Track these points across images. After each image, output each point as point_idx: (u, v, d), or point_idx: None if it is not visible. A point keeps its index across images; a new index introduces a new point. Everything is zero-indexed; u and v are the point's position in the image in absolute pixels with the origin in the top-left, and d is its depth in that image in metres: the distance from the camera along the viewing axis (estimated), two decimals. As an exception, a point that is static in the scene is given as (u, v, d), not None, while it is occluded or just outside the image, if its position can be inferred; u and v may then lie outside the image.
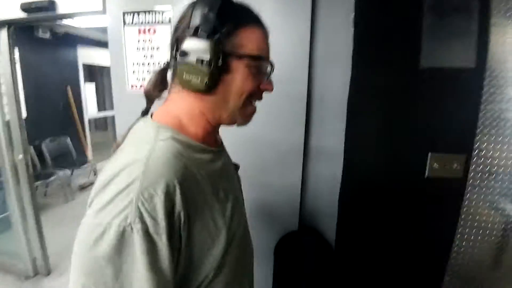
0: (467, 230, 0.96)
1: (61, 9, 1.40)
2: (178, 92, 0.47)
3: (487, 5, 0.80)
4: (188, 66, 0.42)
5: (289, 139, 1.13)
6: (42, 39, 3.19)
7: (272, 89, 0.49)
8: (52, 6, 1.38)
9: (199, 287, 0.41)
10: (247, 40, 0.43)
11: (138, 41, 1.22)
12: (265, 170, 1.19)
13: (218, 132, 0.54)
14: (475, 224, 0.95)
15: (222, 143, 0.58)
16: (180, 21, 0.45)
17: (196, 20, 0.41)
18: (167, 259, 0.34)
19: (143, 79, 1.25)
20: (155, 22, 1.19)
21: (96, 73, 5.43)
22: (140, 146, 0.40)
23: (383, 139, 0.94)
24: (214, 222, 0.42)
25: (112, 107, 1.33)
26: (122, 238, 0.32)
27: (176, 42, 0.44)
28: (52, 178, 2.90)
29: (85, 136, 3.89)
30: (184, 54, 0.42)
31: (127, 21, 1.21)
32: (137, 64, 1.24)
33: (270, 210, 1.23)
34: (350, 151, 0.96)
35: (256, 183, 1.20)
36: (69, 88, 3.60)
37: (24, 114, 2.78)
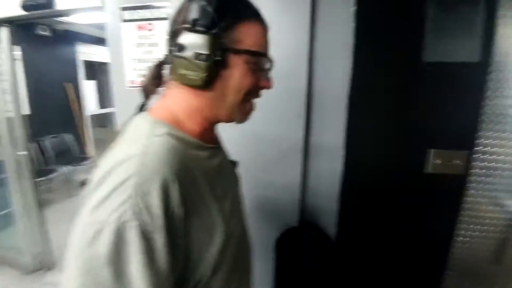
0: (468, 226, 0.96)
1: (60, 5, 1.39)
2: (174, 88, 0.46)
3: (494, -4, 0.78)
4: (185, 60, 0.41)
5: (289, 136, 1.13)
6: (42, 37, 3.19)
7: (270, 86, 0.48)
8: (51, 3, 1.37)
9: (196, 285, 0.41)
10: (246, 35, 0.42)
11: (137, 37, 1.21)
12: (265, 166, 1.19)
13: (215, 129, 0.53)
14: (476, 220, 0.95)
15: (219, 140, 0.57)
16: (178, 14, 0.44)
17: (194, 13, 0.40)
18: (164, 257, 0.33)
19: (143, 75, 1.24)
20: (153, 18, 1.18)
21: (96, 70, 5.43)
22: (135, 142, 0.39)
23: (384, 135, 0.93)
24: (211, 219, 0.41)
25: (112, 104, 1.33)
26: (118, 236, 0.31)
27: (173, 36, 0.43)
28: (54, 174, 2.93)
29: (86, 133, 3.90)
30: (181, 48, 0.41)
31: (125, 17, 1.20)
32: (136, 60, 1.23)
33: (270, 206, 1.23)
34: (350, 147, 0.95)
35: (256, 179, 1.20)
36: (69, 85, 3.61)
37: (27, 111, 2.80)
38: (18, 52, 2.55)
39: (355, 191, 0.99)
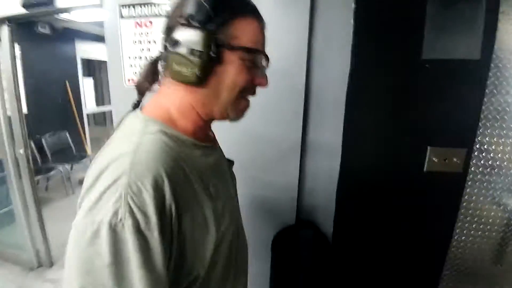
0: (466, 225, 0.96)
1: (59, 3, 1.39)
2: (169, 85, 0.45)
3: (496, -8, 0.76)
4: (179, 56, 0.40)
5: (287, 134, 1.13)
6: (41, 35, 3.18)
7: (266, 84, 0.47)
8: (51, 0, 1.37)
9: (191, 284, 0.41)
10: (242, 32, 0.42)
11: (135, 34, 1.21)
12: (262, 165, 1.19)
13: (210, 127, 0.53)
14: (475, 219, 0.95)
15: (214, 139, 0.56)
16: (174, 9, 0.43)
17: (189, 8, 0.39)
18: (160, 255, 0.33)
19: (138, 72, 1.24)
20: (151, 15, 1.18)
21: (94, 68, 5.42)
22: (127, 140, 0.39)
23: (382, 133, 0.92)
24: (204, 217, 0.41)
25: (110, 102, 1.33)
26: (114, 236, 0.31)
27: (168, 31, 0.43)
28: (53, 172, 2.93)
29: (84, 131, 3.90)
30: (176, 43, 0.40)
31: (123, 14, 1.20)
32: (134, 58, 1.23)
33: (267, 205, 1.23)
34: (348, 145, 0.94)
35: (254, 178, 1.20)
36: (67, 83, 3.60)
37: (24, 109, 2.80)
38: (17, 50, 2.55)
39: (353, 190, 0.99)
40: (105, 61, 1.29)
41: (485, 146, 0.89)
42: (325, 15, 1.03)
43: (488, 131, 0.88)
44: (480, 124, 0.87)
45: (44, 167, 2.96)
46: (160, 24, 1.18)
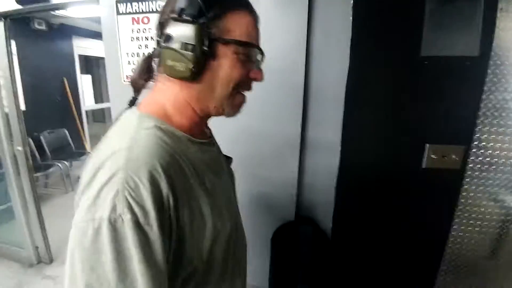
0: (464, 221, 0.97)
1: (56, -1, 1.38)
2: (163, 81, 0.45)
3: (494, -12, 0.76)
4: (172, 51, 0.40)
5: (286, 131, 1.13)
6: (38, 31, 3.14)
7: (261, 79, 0.47)
8: (46, -4, 1.36)
9: (188, 280, 0.41)
10: (235, 25, 0.41)
11: (132, 30, 1.20)
12: (262, 162, 1.19)
13: (206, 123, 0.52)
14: (473, 215, 0.96)
15: (211, 135, 0.56)
16: (166, 4, 0.43)
17: (181, 2, 0.39)
18: (160, 250, 0.33)
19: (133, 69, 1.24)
20: (149, 11, 1.17)
21: (92, 65, 5.38)
22: (122, 136, 0.38)
23: (381, 130, 0.93)
24: (201, 211, 0.41)
25: (109, 99, 1.32)
26: (115, 231, 0.31)
27: (161, 27, 0.42)
28: (52, 169, 2.93)
29: (82, 128, 3.89)
30: (168, 39, 0.40)
31: (120, 10, 1.19)
32: (132, 54, 1.22)
33: (267, 201, 1.24)
34: (347, 142, 0.95)
35: (253, 175, 1.20)
36: (65, 80, 3.58)
37: (22, 106, 2.78)
38: (13, 47, 2.52)
39: (352, 186, 0.99)
40: (103, 58, 1.28)
41: (483, 143, 0.90)
42: (324, 12, 1.03)
43: (486, 128, 0.89)
44: (478, 121, 0.87)
45: (43, 164, 2.95)
46: (157, 20, 1.17)
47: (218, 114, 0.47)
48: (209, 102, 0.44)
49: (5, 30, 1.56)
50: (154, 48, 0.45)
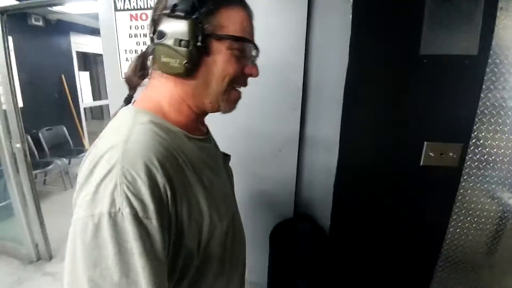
0: (461, 217, 0.97)
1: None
2: (158, 78, 0.45)
3: (494, -13, 0.76)
4: (166, 48, 0.40)
5: (285, 129, 1.13)
6: (35, 27, 3.11)
7: (257, 74, 0.46)
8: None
9: (185, 274, 0.41)
10: (228, 21, 0.41)
11: (130, 27, 1.19)
12: (260, 159, 1.20)
13: (203, 120, 0.53)
14: (470, 212, 0.96)
15: (208, 132, 0.56)
16: (159, 1, 0.42)
17: None
18: (160, 243, 0.33)
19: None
20: (147, 7, 1.16)
21: (90, 61, 5.34)
22: (118, 131, 0.38)
23: (379, 127, 0.93)
24: (199, 206, 0.41)
25: (107, 96, 1.31)
26: (115, 225, 0.31)
27: (154, 23, 0.42)
28: (51, 166, 2.92)
29: (81, 125, 3.88)
30: (162, 35, 0.40)
31: (118, 6, 1.18)
32: (130, 51, 1.22)
33: (266, 199, 1.25)
34: (345, 140, 0.95)
35: (252, 172, 1.21)
36: (63, 77, 3.55)
37: (20, 103, 2.77)
38: (10, 43, 2.49)
39: (350, 184, 1.00)
40: (101, 55, 1.27)
41: (481, 141, 0.90)
42: (323, 11, 1.02)
43: (484, 126, 0.89)
44: (476, 119, 0.87)
45: (41, 161, 2.95)
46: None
47: (214, 110, 0.47)
48: (204, 98, 0.44)
49: (2, 26, 1.55)
50: (148, 45, 0.45)
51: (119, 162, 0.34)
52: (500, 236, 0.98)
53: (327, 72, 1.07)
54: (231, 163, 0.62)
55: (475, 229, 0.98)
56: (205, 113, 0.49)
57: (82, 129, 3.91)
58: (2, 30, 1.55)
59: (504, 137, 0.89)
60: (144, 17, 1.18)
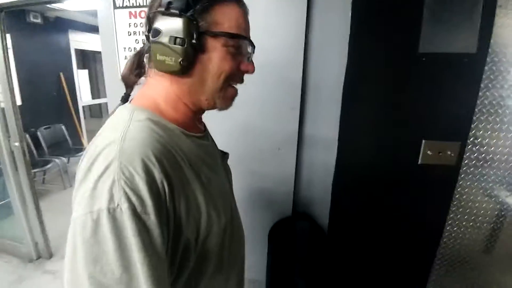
0: (458, 215, 0.98)
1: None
2: (154, 76, 0.45)
3: (494, -15, 0.76)
4: (161, 46, 0.40)
5: (284, 127, 1.13)
6: (33, 24, 3.09)
7: (253, 71, 0.46)
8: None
9: (183, 270, 0.41)
10: (223, 18, 0.41)
11: (129, 25, 1.18)
12: (259, 158, 1.20)
13: (200, 119, 0.53)
14: (467, 210, 0.97)
15: (205, 130, 0.56)
16: None
17: None
18: (159, 238, 0.33)
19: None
20: (146, 4, 1.15)
21: (89, 59, 5.31)
22: (115, 129, 0.38)
23: (378, 126, 0.93)
24: (196, 203, 0.41)
25: (106, 94, 1.31)
26: (114, 221, 0.31)
27: (149, 22, 0.42)
28: (49, 165, 2.92)
29: (80, 124, 3.86)
30: (157, 33, 0.40)
31: (117, 4, 1.17)
32: (129, 49, 1.21)
33: (265, 197, 1.25)
34: (344, 138, 0.95)
35: (251, 171, 1.21)
36: (62, 75, 3.54)
37: (18, 101, 2.76)
38: (8, 40, 2.47)
39: (348, 182, 1.00)
40: (100, 52, 1.27)
41: (479, 140, 0.91)
42: (323, 9, 1.02)
43: (482, 124, 0.89)
44: (474, 117, 0.88)
45: (40, 160, 2.94)
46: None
47: (210, 107, 0.47)
48: (200, 96, 0.45)
49: (0, 23, 1.54)
50: (144, 43, 0.45)
51: (117, 158, 0.34)
52: (497, 234, 0.99)
53: (326, 70, 1.07)
54: (230, 161, 0.62)
55: (472, 227, 0.99)
56: (201, 111, 0.49)
57: (81, 128, 3.90)
58: (0, 28, 1.54)
59: (501, 135, 0.89)
60: (143, 14, 1.17)
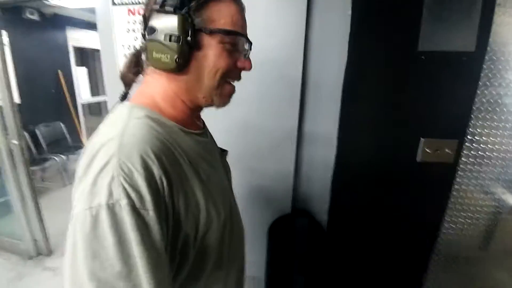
0: (455, 212, 0.99)
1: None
2: (151, 74, 0.45)
3: (493, -17, 0.76)
4: (157, 43, 0.40)
5: (283, 124, 1.13)
6: (30, 21, 3.06)
7: (250, 68, 0.46)
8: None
9: (182, 267, 0.42)
10: (219, 15, 0.41)
11: (128, 22, 1.18)
12: (259, 155, 1.20)
13: (199, 116, 0.53)
14: (464, 207, 0.98)
15: (204, 127, 0.56)
16: None
17: None
18: (158, 233, 0.34)
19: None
20: (144, 2, 1.14)
21: (88, 57, 5.27)
22: (114, 126, 0.39)
23: (377, 124, 0.93)
24: (195, 199, 0.41)
25: (105, 92, 1.31)
26: (114, 216, 0.32)
27: (145, 20, 0.42)
28: (48, 163, 2.91)
29: (79, 121, 3.85)
30: (152, 31, 0.40)
31: (115, 1, 1.16)
32: (128, 47, 1.21)
33: (264, 194, 1.26)
34: (343, 135, 0.96)
35: (251, 168, 1.21)
36: (60, 72, 3.51)
37: (17, 99, 2.74)
38: (5, 37, 2.46)
39: (347, 179, 1.01)
40: (99, 50, 1.26)
41: (476, 137, 0.92)
42: (322, 6, 1.02)
43: (479, 122, 0.90)
44: (472, 115, 0.88)
45: (39, 158, 2.93)
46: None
47: (208, 105, 0.47)
48: (197, 93, 0.45)
49: (-4, 20, 1.53)
50: (142, 42, 0.45)
51: (116, 155, 0.34)
52: (493, 230, 1.00)
53: (326, 68, 1.07)
54: (230, 159, 0.62)
55: (469, 224, 1.00)
56: (199, 108, 0.49)
57: (80, 125, 3.89)
58: (-3, 24, 1.53)
59: (499, 133, 0.90)
60: (142, 11, 1.16)
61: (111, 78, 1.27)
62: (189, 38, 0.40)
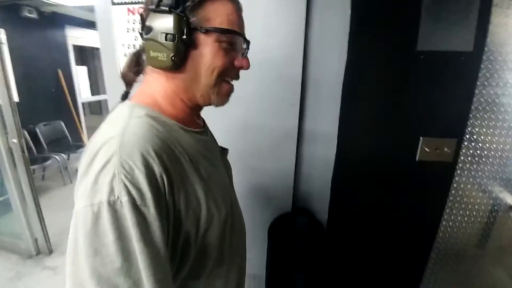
0: (454, 211, 1.00)
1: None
2: (150, 73, 0.46)
3: (490, -16, 0.77)
4: (153, 42, 0.41)
5: (283, 123, 1.14)
6: (28, 19, 3.05)
7: (247, 66, 0.47)
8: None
9: (183, 264, 0.42)
10: (215, 13, 0.42)
11: (128, 21, 1.18)
12: (259, 154, 1.20)
13: (199, 114, 0.53)
14: (463, 205, 0.99)
15: (204, 126, 0.56)
16: None
17: None
18: (158, 230, 0.34)
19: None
20: (144, 1, 1.14)
21: (87, 55, 5.25)
22: (115, 124, 0.39)
23: (376, 122, 0.94)
24: (196, 197, 0.42)
25: (106, 91, 1.31)
26: (115, 213, 0.32)
27: (143, 19, 0.43)
28: (49, 162, 2.91)
29: (79, 120, 3.84)
30: (149, 30, 0.41)
31: (115, 0, 1.16)
32: (128, 46, 1.21)
33: (264, 193, 1.26)
34: (343, 134, 0.96)
35: (251, 167, 1.22)
36: (60, 71, 3.50)
37: (15, 98, 2.73)
38: (3, 35, 2.44)
39: (347, 178, 1.01)
40: (99, 48, 1.26)
41: (474, 136, 0.92)
42: (322, 6, 1.02)
43: (478, 122, 0.91)
44: (470, 115, 0.89)
45: (40, 156, 2.93)
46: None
47: (206, 103, 0.47)
48: (195, 92, 0.45)
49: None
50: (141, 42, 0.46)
51: (117, 153, 0.34)
52: (491, 228, 1.01)
53: (326, 67, 1.08)
54: (230, 157, 0.63)
55: (467, 222, 1.01)
56: (199, 107, 0.50)
57: (81, 124, 3.88)
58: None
59: (496, 132, 0.91)
60: (140, 11, 1.16)
61: (112, 77, 1.27)
62: (184, 36, 0.40)
